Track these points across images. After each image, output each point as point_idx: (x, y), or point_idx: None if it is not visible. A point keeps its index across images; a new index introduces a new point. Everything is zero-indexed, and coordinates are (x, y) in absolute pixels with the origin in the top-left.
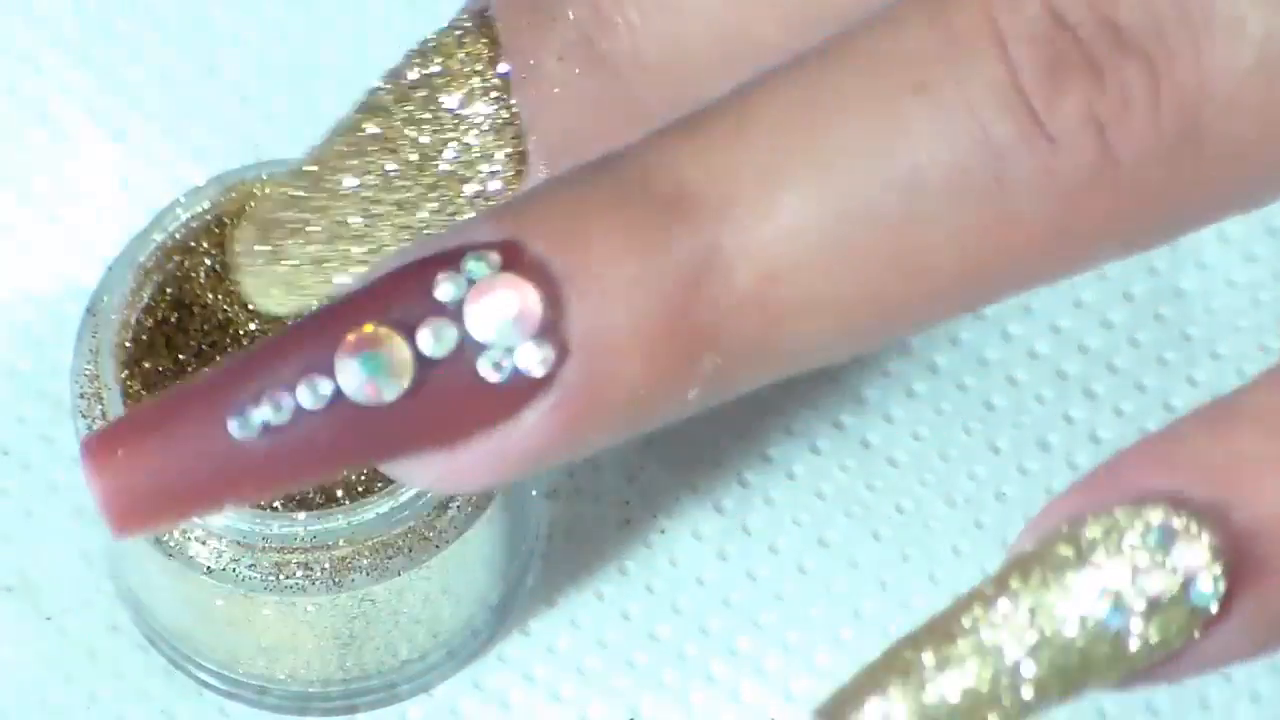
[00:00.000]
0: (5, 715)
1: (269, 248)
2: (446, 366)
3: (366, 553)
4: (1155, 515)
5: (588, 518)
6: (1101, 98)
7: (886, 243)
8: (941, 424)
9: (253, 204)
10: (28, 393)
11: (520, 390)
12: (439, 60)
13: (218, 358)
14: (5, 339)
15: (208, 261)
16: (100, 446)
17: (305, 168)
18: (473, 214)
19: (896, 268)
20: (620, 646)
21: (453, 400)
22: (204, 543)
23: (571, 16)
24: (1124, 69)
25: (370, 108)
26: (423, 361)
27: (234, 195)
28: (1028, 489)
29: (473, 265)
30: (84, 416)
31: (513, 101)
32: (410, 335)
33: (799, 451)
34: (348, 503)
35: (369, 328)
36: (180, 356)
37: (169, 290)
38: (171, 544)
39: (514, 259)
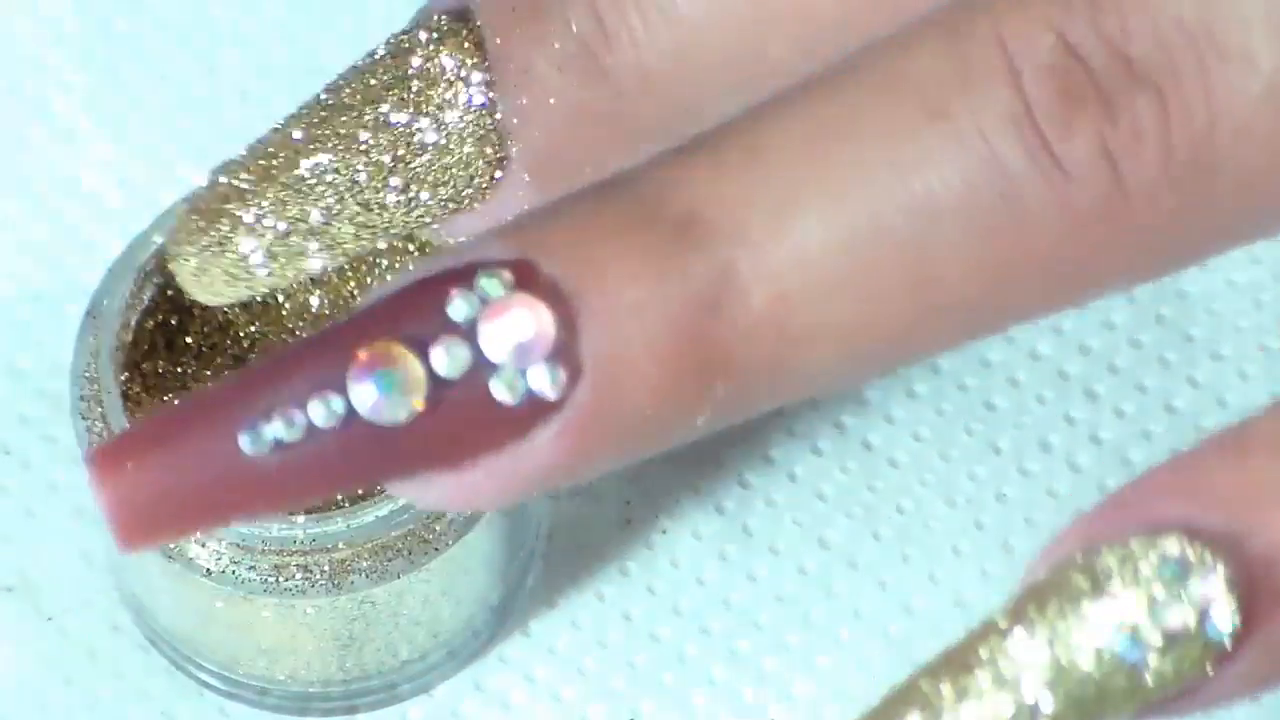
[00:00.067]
0: (5, 716)
1: (213, 238)
2: (460, 387)
3: (366, 555)
4: (1171, 545)
5: (589, 518)
6: (1114, 130)
7: (900, 268)
8: (942, 424)
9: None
10: (28, 392)
11: (531, 411)
12: (414, 58)
13: (218, 360)
14: (6, 338)
15: None
16: (108, 459)
17: (255, 159)
18: (443, 219)
19: (909, 293)
20: (621, 647)
21: (465, 420)
22: (204, 545)
23: (574, 28)
24: (1135, 101)
25: (336, 104)
26: (436, 380)
27: None
28: (1028, 490)
29: (486, 283)
30: (84, 418)
31: (493, 106)
32: (422, 352)
33: (800, 452)
34: (347, 506)
35: (381, 345)
36: (180, 359)
37: (169, 292)
38: (171, 546)
39: (527, 278)
